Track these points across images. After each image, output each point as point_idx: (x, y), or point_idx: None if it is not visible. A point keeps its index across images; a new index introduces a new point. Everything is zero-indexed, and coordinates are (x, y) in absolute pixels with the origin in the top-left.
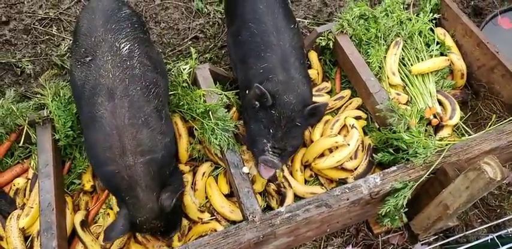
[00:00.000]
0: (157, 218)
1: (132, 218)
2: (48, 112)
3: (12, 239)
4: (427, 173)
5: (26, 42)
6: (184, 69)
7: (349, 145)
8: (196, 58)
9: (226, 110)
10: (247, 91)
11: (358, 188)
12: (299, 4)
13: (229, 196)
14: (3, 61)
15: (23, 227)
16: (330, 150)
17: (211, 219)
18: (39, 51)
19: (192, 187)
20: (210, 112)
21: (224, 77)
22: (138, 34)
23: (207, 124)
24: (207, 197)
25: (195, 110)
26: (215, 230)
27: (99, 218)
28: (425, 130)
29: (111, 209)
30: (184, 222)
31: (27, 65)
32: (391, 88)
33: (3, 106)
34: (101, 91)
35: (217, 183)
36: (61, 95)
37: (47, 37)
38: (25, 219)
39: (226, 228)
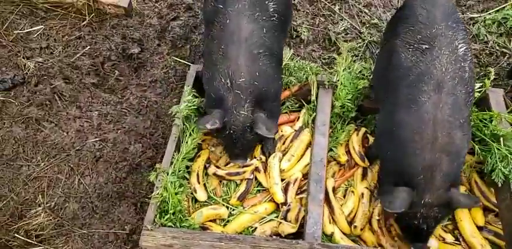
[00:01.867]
0: (439, 206)
1: (416, 197)
2: (337, 79)
3: (275, 175)
4: None
5: (308, 11)
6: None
7: None
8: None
9: None
10: None
11: None
12: None
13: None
14: None
15: (283, 169)
16: None
17: (456, 243)
18: (316, 23)
19: None
20: (502, 138)
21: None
22: (467, 39)
23: (497, 149)
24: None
25: (482, 130)
26: None
27: (338, 191)
28: None
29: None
30: None
31: (304, 31)
32: None
33: (293, 60)
34: (430, 80)
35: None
36: (351, 69)
37: (328, 13)
38: (287, 163)
39: None
